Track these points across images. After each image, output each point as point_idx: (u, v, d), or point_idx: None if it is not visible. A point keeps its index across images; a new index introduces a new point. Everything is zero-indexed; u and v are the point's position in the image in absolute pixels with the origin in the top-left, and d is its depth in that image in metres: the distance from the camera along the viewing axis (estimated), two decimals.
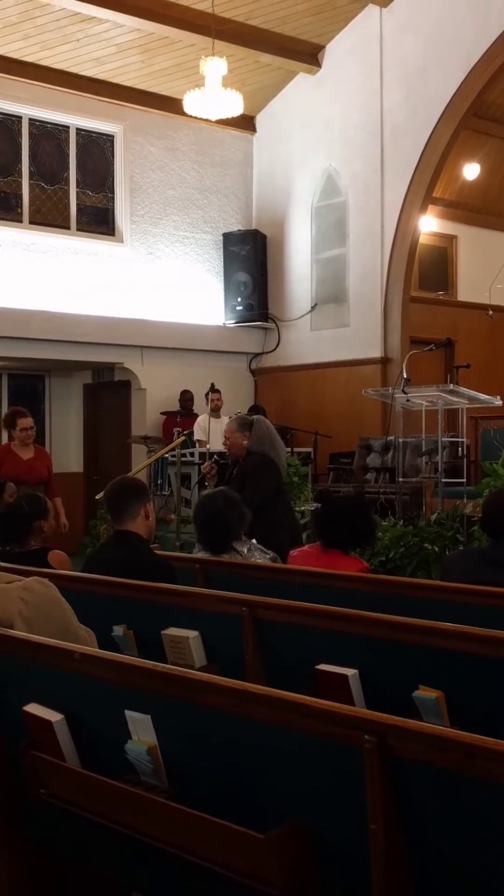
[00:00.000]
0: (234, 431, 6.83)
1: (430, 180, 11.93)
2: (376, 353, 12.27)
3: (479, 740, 1.85)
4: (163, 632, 3.58)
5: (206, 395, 11.53)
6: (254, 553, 4.73)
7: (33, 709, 2.70)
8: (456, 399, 8.86)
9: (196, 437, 11.40)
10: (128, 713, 2.44)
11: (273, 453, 6.72)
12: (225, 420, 11.59)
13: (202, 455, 10.73)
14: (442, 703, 2.70)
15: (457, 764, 1.87)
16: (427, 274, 13.82)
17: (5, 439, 8.77)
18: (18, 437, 8.10)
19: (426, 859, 1.98)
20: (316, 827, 2.11)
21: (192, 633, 3.51)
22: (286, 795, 2.19)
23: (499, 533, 4.24)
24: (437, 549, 7.35)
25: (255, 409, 11.79)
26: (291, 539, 6.26)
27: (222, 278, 13.39)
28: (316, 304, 13.01)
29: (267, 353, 13.61)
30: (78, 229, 12.48)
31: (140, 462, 11.49)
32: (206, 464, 9.31)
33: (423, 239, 12.86)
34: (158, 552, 4.76)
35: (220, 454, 9.43)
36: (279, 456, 6.84)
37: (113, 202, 12.80)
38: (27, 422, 8.15)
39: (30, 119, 12.12)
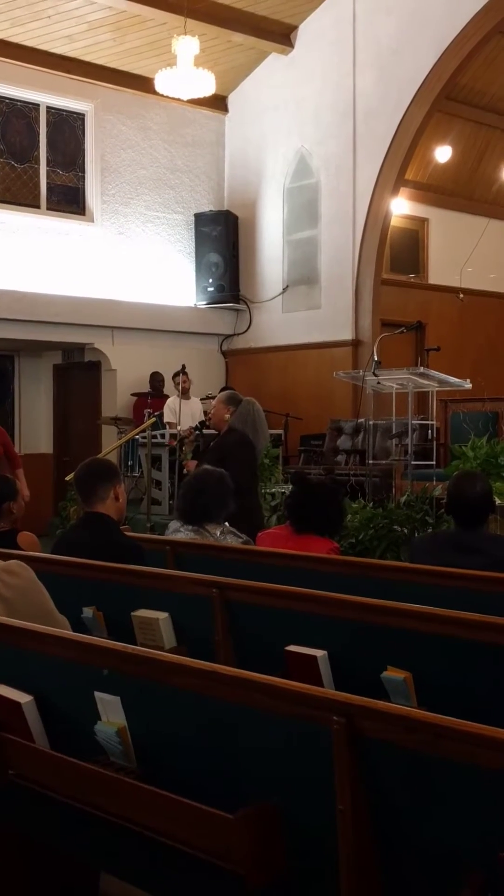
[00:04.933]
0: (220, 402, 6.93)
1: (402, 162, 11.93)
2: (347, 335, 12.28)
3: (446, 721, 1.87)
4: (133, 613, 3.58)
5: (175, 377, 11.50)
6: (227, 536, 4.74)
7: (2, 690, 2.69)
8: (426, 382, 8.89)
9: (166, 419, 11.39)
10: (97, 694, 2.44)
11: (253, 435, 6.72)
12: (195, 401, 11.62)
13: (172, 437, 10.74)
14: (410, 684, 2.72)
15: (424, 744, 1.88)
16: (398, 256, 13.84)
17: None
18: None
19: (394, 839, 2.00)
20: (285, 807, 2.12)
21: (162, 615, 3.51)
22: (255, 776, 2.21)
23: (463, 518, 4.24)
24: (406, 531, 7.38)
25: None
26: (257, 522, 6.30)
27: (193, 259, 13.34)
28: (287, 286, 12.99)
29: (238, 334, 13.59)
30: (48, 208, 12.38)
31: (110, 443, 11.46)
32: (186, 428, 9.38)
33: (395, 221, 12.88)
34: (129, 534, 4.76)
35: (202, 424, 9.51)
36: (258, 440, 6.83)
37: (83, 181, 12.71)
38: None
39: None
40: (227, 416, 6.77)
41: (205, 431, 8.78)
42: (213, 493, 4.74)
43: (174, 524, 4.94)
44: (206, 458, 6.40)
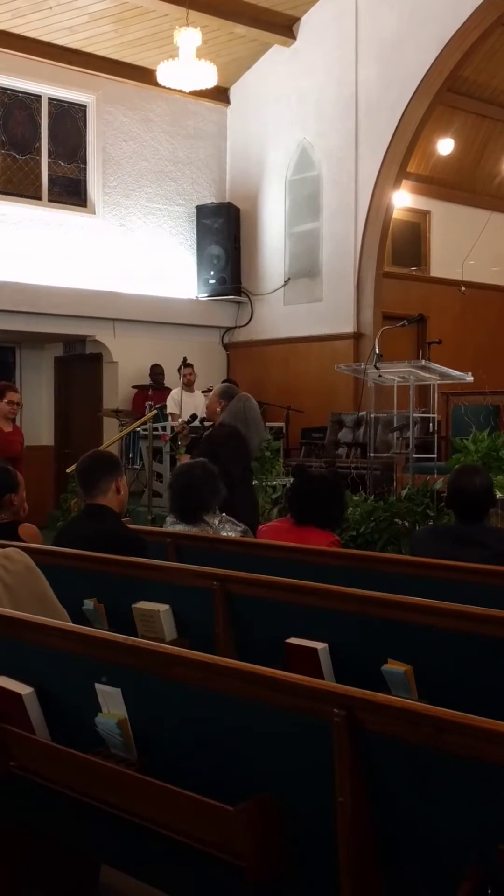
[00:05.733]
0: (214, 396, 6.96)
1: (404, 155, 11.90)
2: (349, 328, 12.27)
3: (446, 714, 1.87)
4: (133, 606, 3.58)
5: (179, 369, 11.50)
6: (224, 525, 4.73)
7: (3, 682, 2.69)
8: (427, 375, 8.88)
9: (169, 409, 11.38)
10: (98, 686, 2.44)
11: (244, 430, 6.69)
12: (198, 394, 11.60)
13: (174, 429, 10.74)
14: (410, 677, 2.72)
15: (425, 737, 1.89)
16: (400, 249, 13.83)
17: None
18: (4, 410, 8.06)
19: (394, 832, 2.00)
20: (285, 799, 2.12)
21: (163, 607, 3.51)
22: (256, 768, 2.21)
23: (462, 512, 4.24)
24: (407, 524, 7.37)
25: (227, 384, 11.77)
26: (252, 517, 6.26)
27: (195, 251, 13.32)
28: (289, 279, 12.97)
29: (240, 327, 13.58)
30: (50, 200, 12.36)
31: (112, 435, 11.46)
32: (179, 423, 9.39)
33: (397, 214, 12.86)
34: (130, 526, 4.76)
35: (193, 417, 9.56)
36: (250, 436, 6.78)
37: (85, 173, 12.69)
38: (16, 396, 8.15)
39: (1, 88, 11.96)
40: (219, 409, 6.76)
41: (205, 423, 8.81)
42: (201, 484, 4.70)
43: (172, 517, 4.93)
44: (197, 451, 6.38)
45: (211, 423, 7.34)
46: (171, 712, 2.39)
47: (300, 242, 12.87)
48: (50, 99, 12.38)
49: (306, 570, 3.70)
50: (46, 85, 12.22)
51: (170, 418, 11.24)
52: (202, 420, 7.34)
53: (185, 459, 8.93)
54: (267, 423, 11.50)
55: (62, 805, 2.61)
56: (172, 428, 10.56)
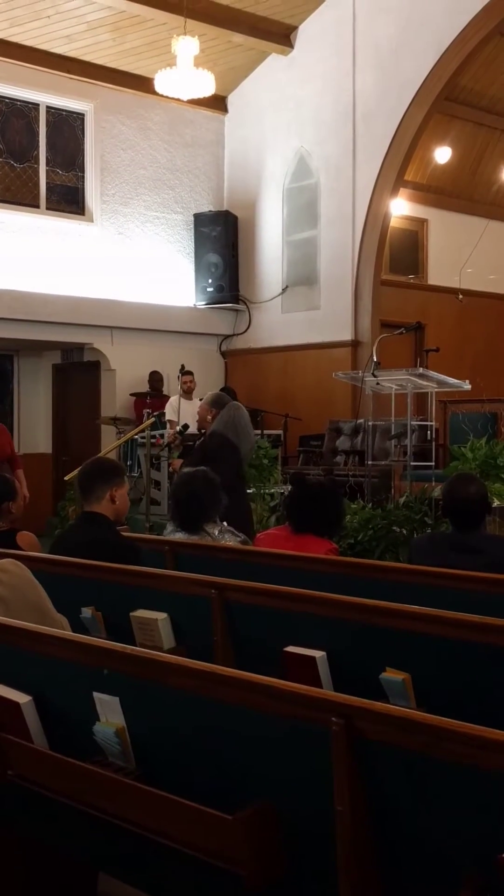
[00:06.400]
0: (205, 404, 7.00)
1: (401, 163, 11.94)
2: (347, 336, 12.28)
3: (445, 723, 1.87)
4: (131, 614, 3.58)
5: (178, 376, 11.52)
6: (224, 535, 4.73)
7: (1, 690, 2.69)
8: (425, 383, 8.88)
9: (167, 417, 11.39)
10: (96, 695, 2.44)
11: (235, 439, 6.69)
12: (197, 402, 11.60)
13: (161, 437, 10.76)
14: (409, 686, 2.72)
15: (423, 746, 1.88)
16: (398, 257, 13.85)
17: None
18: None
19: (393, 840, 2.00)
20: (284, 808, 2.12)
21: (161, 615, 3.51)
22: (254, 777, 2.20)
23: (458, 520, 4.24)
24: (405, 531, 7.37)
25: (225, 391, 11.78)
26: (246, 525, 6.25)
27: (193, 259, 13.34)
28: (287, 287, 12.99)
29: (237, 335, 13.59)
30: (47, 208, 12.38)
31: (110, 443, 11.46)
32: (170, 432, 9.40)
33: (394, 222, 12.88)
34: (126, 534, 4.76)
35: (186, 427, 9.59)
36: (241, 446, 6.77)
37: (83, 181, 12.71)
38: None
39: None
40: (210, 417, 6.79)
41: (201, 431, 8.85)
42: (204, 494, 4.71)
43: (172, 525, 4.93)
44: (189, 460, 6.38)
45: (202, 433, 7.35)
46: (170, 721, 2.39)
47: (298, 250, 12.89)
48: (48, 107, 12.40)
49: (304, 578, 3.70)
50: (44, 93, 12.24)
51: (168, 425, 11.24)
52: (200, 429, 7.36)
53: (177, 464, 8.95)
54: (265, 431, 11.55)
55: (60, 813, 2.60)
56: (165, 439, 10.58)
